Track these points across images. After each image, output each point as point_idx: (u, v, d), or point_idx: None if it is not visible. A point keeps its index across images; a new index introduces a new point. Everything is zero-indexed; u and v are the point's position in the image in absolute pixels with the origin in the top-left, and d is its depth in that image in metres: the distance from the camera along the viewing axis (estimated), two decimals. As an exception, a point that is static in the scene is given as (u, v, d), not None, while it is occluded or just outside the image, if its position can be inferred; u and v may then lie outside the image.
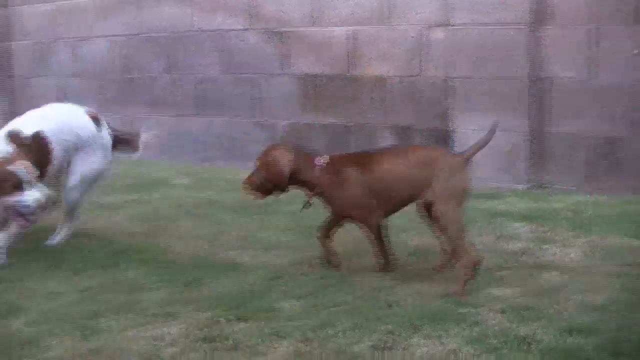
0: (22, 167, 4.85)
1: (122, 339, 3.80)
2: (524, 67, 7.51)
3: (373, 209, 4.80)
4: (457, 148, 7.81)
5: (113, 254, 5.43)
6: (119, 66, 10.70)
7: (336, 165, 4.85)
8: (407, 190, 4.74)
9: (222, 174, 8.34)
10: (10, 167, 4.82)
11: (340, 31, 8.66)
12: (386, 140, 8.40)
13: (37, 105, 11.21)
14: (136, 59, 10.49)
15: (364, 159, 4.89)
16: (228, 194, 7.11)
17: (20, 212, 4.92)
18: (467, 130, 7.80)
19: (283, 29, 9.06)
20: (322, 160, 4.85)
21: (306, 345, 3.62)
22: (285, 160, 4.82)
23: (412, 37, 8.19)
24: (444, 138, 8.03)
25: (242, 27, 9.37)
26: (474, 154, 4.84)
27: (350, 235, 5.49)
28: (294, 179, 4.86)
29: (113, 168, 9.29)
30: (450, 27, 7.96)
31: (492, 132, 4.79)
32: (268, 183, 4.87)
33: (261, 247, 5.51)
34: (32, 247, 5.53)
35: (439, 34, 8.05)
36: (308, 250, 5.34)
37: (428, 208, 4.68)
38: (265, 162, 4.89)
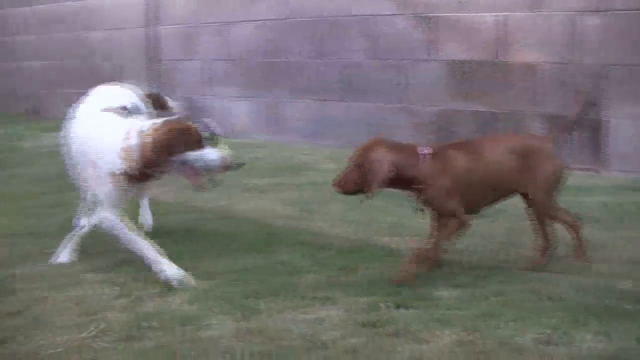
0: (206, 125, 4.80)
1: (282, 321, 3.81)
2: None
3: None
4: (610, 138, 7.63)
5: (266, 236, 5.48)
6: (264, 50, 10.79)
7: (442, 154, 4.49)
8: (507, 180, 4.59)
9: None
10: (194, 124, 4.70)
11: (489, 17, 8.52)
12: (534, 128, 8.24)
13: (184, 89, 11.54)
14: (282, 43, 10.56)
15: (469, 148, 4.60)
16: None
17: (198, 170, 4.65)
18: (621, 119, 7.59)
19: (431, 14, 8.97)
20: (425, 150, 4.46)
21: (469, 335, 3.56)
22: (387, 162, 4.35)
23: (564, 23, 8.00)
24: (595, 128, 7.82)
25: (390, 13, 9.32)
26: (564, 133, 4.91)
27: (506, 225, 5.45)
28: (394, 180, 4.39)
29: (257, 152, 9.48)
30: (603, 13, 7.74)
31: (584, 107, 4.94)
32: (364, 186, 4.39)
33: (413, 234, 5.42)
34: (180, 226, 5.63)
35: (591, 20, 7.84)
36: (460, 239, 5.27)
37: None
38: (364, 163, 4.36)
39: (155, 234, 5.42)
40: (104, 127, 4.81)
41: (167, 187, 7.09)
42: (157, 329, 3.72)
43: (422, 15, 9.05)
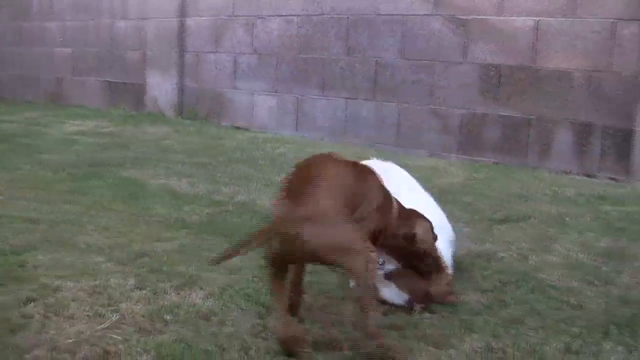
0: None
1: (304, 320, 3.72)
2: None
3: None
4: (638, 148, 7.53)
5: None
6: (295, 45, 10.72)
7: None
8: None
9: (395, 159, 8.22)
10: None
11: (525, 21, 8.41)
12: (564, 135, 8.15)
13: (211, 81, 11.49)
14: (312, 40, 10.48)
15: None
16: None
17: None
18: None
19: (469, 17, 8.87)
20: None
21: (497, 342, 3.47)
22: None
23: (600, 30, 7.88)
24: (624, 137, 7.73)
25: (425, 13, 9.22)
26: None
27: (531, 232, 5.36)
28: None
29: (281, 147, 9.40)
30: (638, 22, 7.65)
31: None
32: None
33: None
34: (200, 219, 5.53)
35: (629, 28, 7.72)
36: (485, 243, 5.18)
37: None
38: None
39: (174, 227, 5.36)
40: None
41: (189, 179, 7.04)
42: (174, 322, 3.63)
43: (459, 17, 8.94)
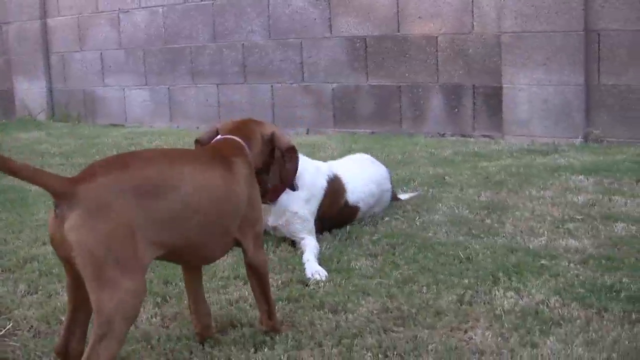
0: None
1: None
2: (580, 19, 7.36)
3: None
4: (507, 105, 7.73)
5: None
6: (162, 36, 10.63)
7: None
8: None
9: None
10: None
11: (386, -9, 8.58)
12: (435, 99, 8.33)
13: (80, 80, 11.27)
14: (177, 29, 10.42)
15: None
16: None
17: None
18: (517, 86, 7.70)
19: (329, -9, 8.98)
20: None
21: (392, 301, 3.55)
22: None
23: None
24: (494, 95, 7.95)
25: (287, -9, 9.31)
26: None
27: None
28: None
29: (157, 140, 9.29)
30: (496, -18, 7.87)
31: None
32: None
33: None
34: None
35: (486, -11, 7.95)
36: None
37: None
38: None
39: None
40: None
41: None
42: (69, 322, 3.59)
43: (319, -8, 9.05)
